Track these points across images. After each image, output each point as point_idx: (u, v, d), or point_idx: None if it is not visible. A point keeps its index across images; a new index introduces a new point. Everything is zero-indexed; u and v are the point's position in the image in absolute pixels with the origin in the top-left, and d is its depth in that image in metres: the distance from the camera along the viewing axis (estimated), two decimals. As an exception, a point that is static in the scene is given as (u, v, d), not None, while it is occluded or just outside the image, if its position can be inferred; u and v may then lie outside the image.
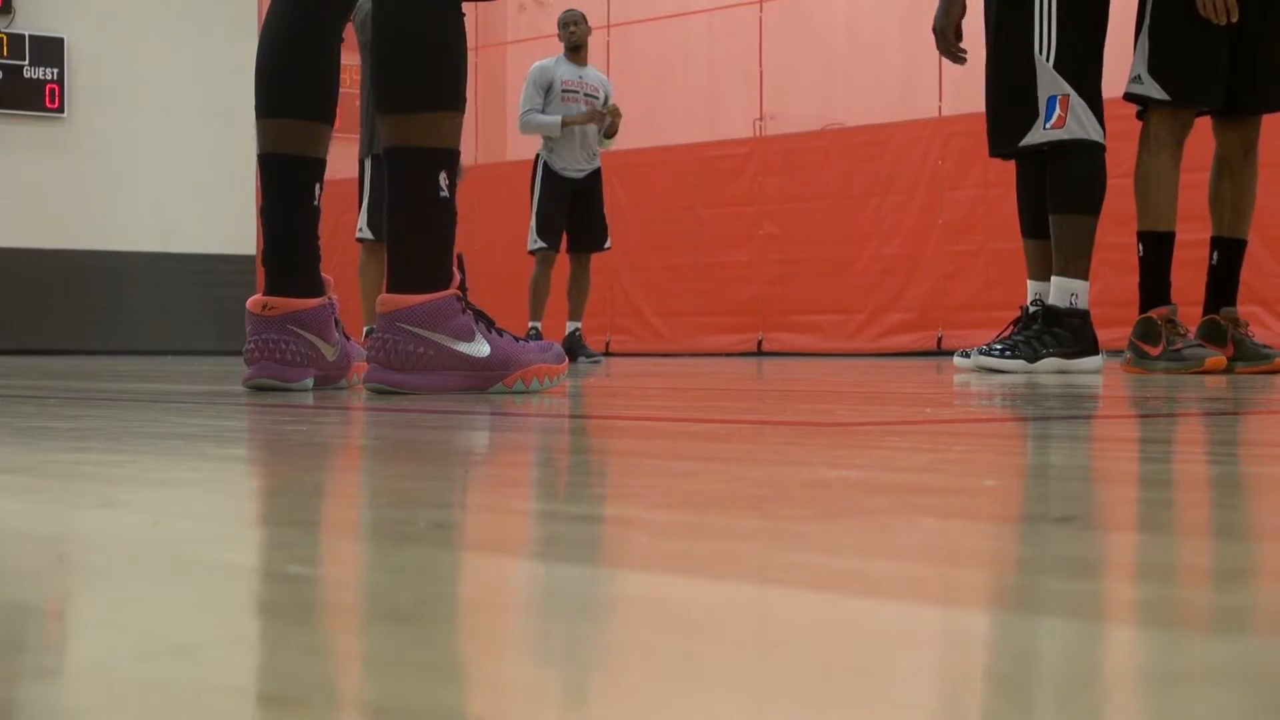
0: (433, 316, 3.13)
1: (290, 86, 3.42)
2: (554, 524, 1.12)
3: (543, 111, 9.36)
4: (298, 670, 0.61)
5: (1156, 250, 5.21)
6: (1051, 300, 5.35)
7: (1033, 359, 5.27)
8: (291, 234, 3.43)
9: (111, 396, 3.57)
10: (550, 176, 9.37)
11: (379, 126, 3.30)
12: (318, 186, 3.45)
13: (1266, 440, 2.14)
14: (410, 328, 3.13)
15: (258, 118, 3.45)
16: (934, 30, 5.57)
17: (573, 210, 9.41)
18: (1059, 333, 5.31)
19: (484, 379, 3.20)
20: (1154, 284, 5.22)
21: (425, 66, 3.20)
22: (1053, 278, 5.38)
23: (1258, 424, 2.54)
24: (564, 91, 9.37)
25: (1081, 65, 5.37)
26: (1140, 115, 5.34)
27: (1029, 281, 5.65)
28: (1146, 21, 5.24)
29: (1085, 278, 5.37)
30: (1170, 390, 3.87)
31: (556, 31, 9.72)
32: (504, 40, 16.14)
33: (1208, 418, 2.64)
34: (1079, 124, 5.35)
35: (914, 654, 0.63)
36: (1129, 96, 5.32)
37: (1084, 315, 5.34)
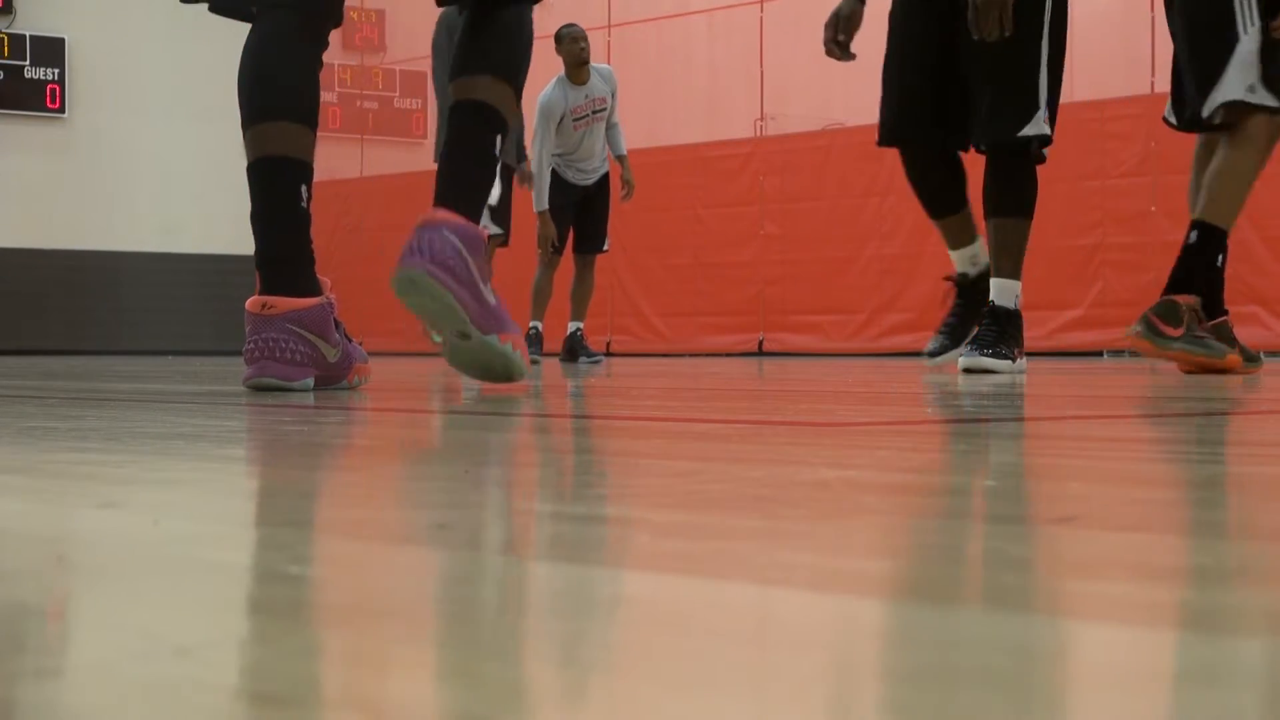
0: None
1: (279, 90, 3.47)
2: (554, 524, 1.12)
3: (556, 134, 9.28)
4: (298, 671, 0.61)
5: (1218, 246, 5.18)
6: (1001, 301, 5.40)
7: (1014, 359, 5.32)
8: (288, 234, 3.44)
9: (111, 396, 3.57)
10: (558, 183, 9.34)
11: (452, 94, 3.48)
12: (306, 189, 3.47)
13: (1266, 440, 2.14)
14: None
15: (247, 126, 3.47)
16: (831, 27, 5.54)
17: (579, 214, 9.39)
18: (1014, 333, 5.39)
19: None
20: (1194, 274, 5.16)
21: (505, 37, 3.50)
22: (1001, 280, 5.42)
23: (1257, 424, 2.54)
24: (575, 120, 9.29)
25: (1056, 76, 5.44)
26: (1219, 122, 5.24)
27: (951, 251, 5.76)
28: (1257, 38, 5.16)
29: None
30: (1170, 390, 3.87)
31: (557, 44, 9.40)
32: (504, 40, 16.12)
33: (1210, 418, 2.64)
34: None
35: (914, 654, 0.63)
36: (1234, 105, 5.22)
37: (1020, 315, 5.46)
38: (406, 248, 3.27)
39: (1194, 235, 5.08)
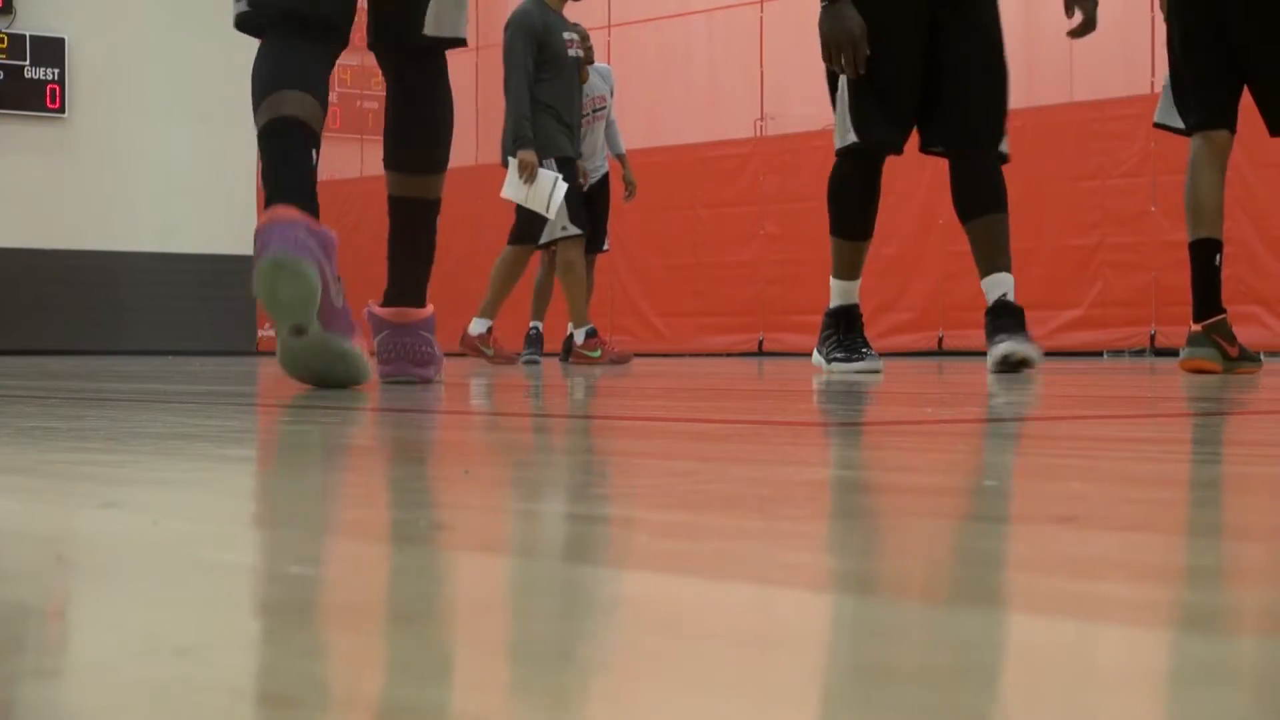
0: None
1: (293, 73, 3.67)
2: (554, 524, 1.12)
3: None
4: (298, 670, 0.61)
5: None
6: (1010, 295, 5.40)
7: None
8: (298, 174, 3.52)
9: (111, 396, 3.57)
10: None
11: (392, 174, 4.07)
12: (315, 153, 3.60)
13: (1266, 440, 2.14)
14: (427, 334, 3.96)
15: (266, 93, 3.62)
16: (847, 43, 5.46)
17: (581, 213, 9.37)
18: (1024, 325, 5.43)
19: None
20: None
21: (437, 126, 4.09)
22: (1003, 275, 5.43)
23: (1257, 424, 2.54)
24: (580, 117, 9.27)
25: None
26: None
27: (847, 283, 5.78)
28: None
29: None
30: (1170, 390, 3.87)
31: None
32: (504, 40, 16.13)
33: (1210, 418, 2.64)
34: None
35: (913, 654, 0.63)
36: None
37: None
38: (389, 351, 3.91)
39: None
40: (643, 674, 0.60)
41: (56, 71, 16.11)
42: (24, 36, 15.98)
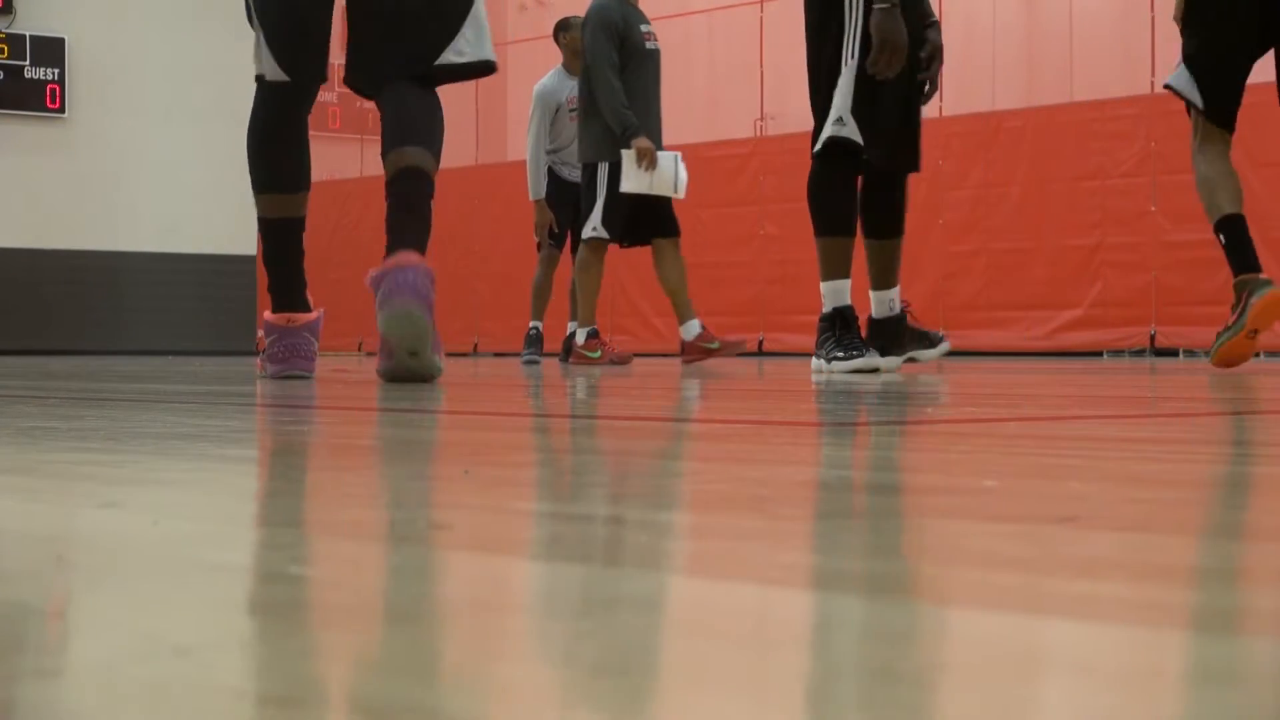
0: None
1: (287, 167, 4.51)
2: (554, 524, 1.12)
3: (552, 126, 9.29)
4: (297, 671, 0.61)
5: None
6: (883, 312, 5.84)
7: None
8: (293, 271, 4.58)
9: (111, 396, 3.57)
10: (557, 181, 9.33)
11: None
12: (302, 233, 4.62)
13: (1267, 440, 2.14)
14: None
15: (259, 192, 4.52)
16: (902, 47, 5.77)
17: (578, 212, 9.37)
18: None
19: None
20: None
21: (431, 114, 4.40)
22: (887, 291, 5.87)
23: (1257, 424, 2.53)
24: (571, 111, 9.27)
25: None
26: None
27: (837, 283, 6.08)
28: None
29: None
30: (1170, 390, 3.86)
31: (559, 34, 9.47)
32: (504, 40, 16.15)
33: (1210, 418, 2.64)
34: None
35: (914, 654, 0.63)
36: None
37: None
38: (390, 287, 3.93)
39: None
40: (643, 674, 0.60)
41: (56, 71, 16.11)
42: (24, 36, 15.97)
